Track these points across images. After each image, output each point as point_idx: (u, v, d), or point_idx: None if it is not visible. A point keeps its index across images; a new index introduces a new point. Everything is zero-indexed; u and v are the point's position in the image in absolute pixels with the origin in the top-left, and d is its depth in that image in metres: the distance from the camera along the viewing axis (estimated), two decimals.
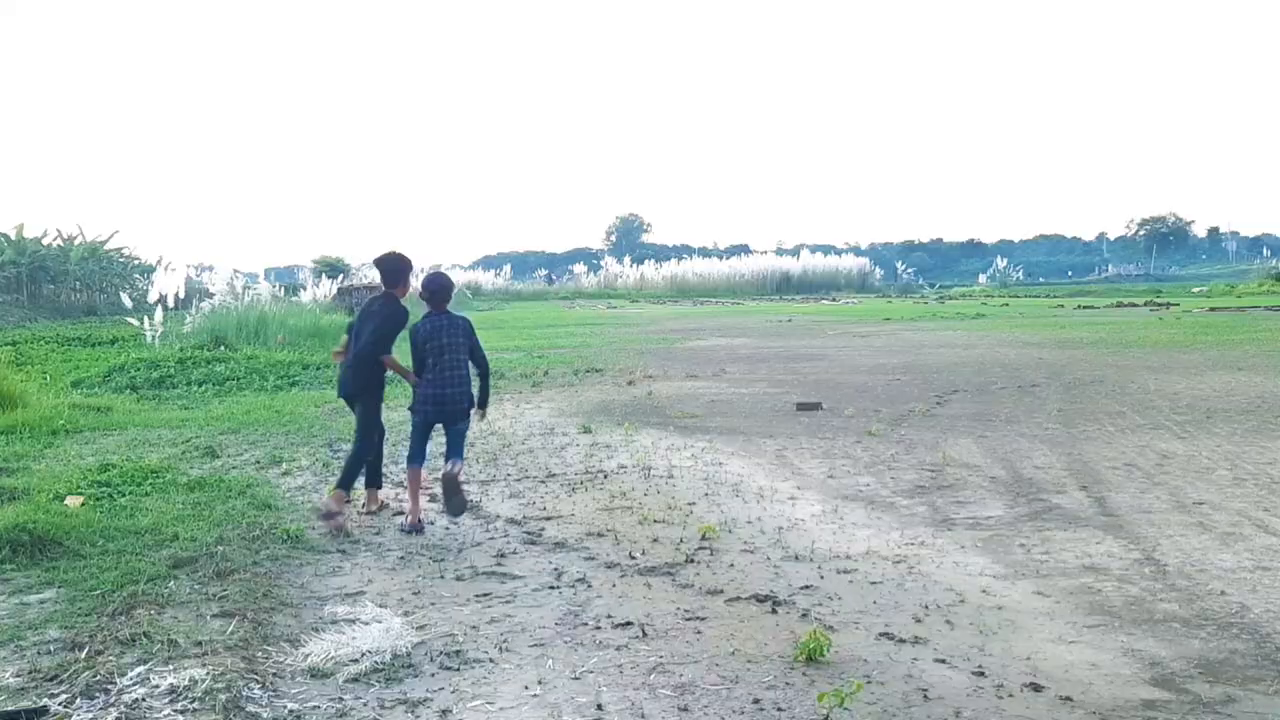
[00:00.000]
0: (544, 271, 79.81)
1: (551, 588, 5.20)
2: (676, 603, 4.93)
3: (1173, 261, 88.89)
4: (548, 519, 6.65)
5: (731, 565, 5.54)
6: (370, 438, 6.68)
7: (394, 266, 6.67)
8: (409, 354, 6.54)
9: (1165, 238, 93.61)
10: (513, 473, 8.16)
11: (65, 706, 3.71)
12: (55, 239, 33.92)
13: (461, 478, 6.33)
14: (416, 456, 6.55)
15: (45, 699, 3.78)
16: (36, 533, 5.75)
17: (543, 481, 7.84)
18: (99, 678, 3.95)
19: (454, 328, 6.46)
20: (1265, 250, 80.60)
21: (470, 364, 6.55)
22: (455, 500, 6.25)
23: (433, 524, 6.53)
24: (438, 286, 6.53)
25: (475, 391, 6.57)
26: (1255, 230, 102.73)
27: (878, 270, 70.75)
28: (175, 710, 3.68)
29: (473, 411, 6.57)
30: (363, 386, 6.64)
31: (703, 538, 6.04)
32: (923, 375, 14.65)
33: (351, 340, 6.77)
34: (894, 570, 5.45)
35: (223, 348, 17.34)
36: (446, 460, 6.41)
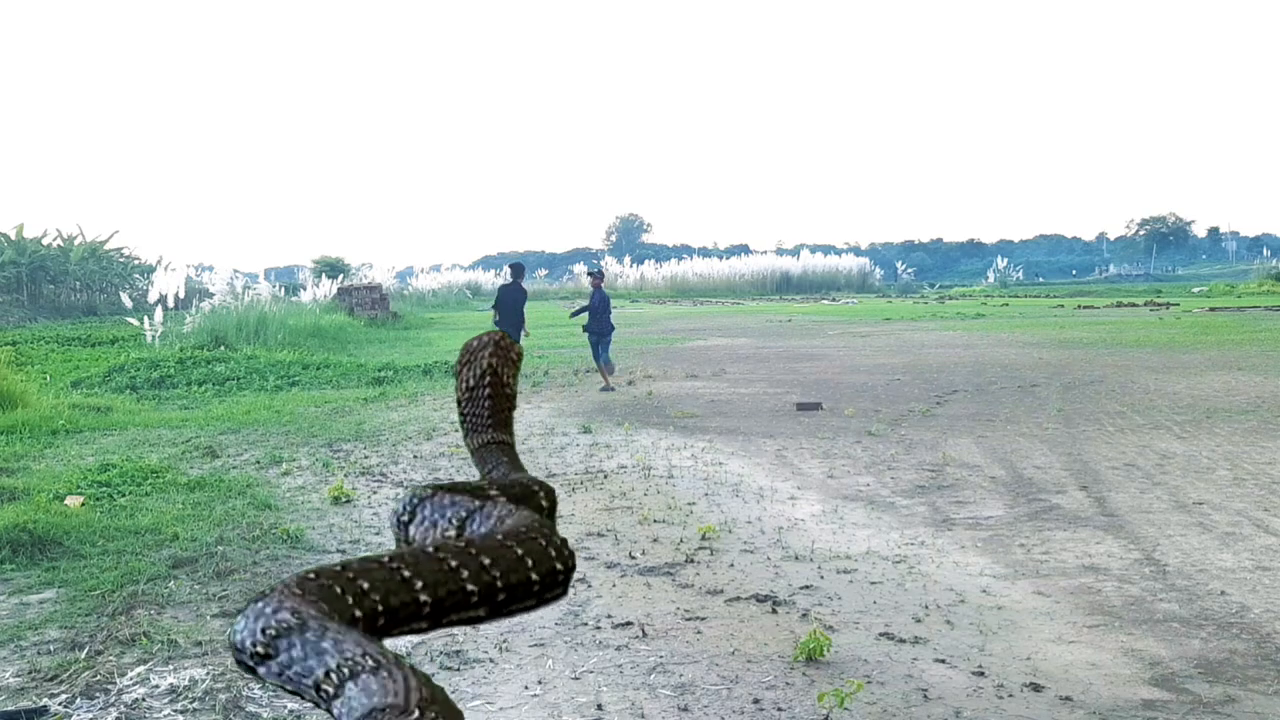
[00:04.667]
0: (544, 272, 79.70)
1: None
2: (676, 603, 4.93)
3: (1173, 261, 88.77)
4: None
5: (731, 565, 5.54)
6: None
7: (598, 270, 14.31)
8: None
9: (1165, 238, 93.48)
10: None
11: (65, 706, 3.72)
12: (55, 239, 33.88)
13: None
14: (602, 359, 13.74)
15: (45, 699, 3.78)
16: (36, 533, 5.75)
17: None
18: (99, 678, 3.96)
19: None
20: (1265, 250, 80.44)
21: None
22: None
23: None
24: (597, 273, 14.55)
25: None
26: (1255, 230, 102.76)
27: (878, 270, 70.61)
28: (175, 710, 3.68)
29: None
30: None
31: (703, 538, 6.04)
32: (923, 375, 14.65)
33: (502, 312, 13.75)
34: (894, 570, 5.45)
35: (223, 348, 17.35)
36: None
